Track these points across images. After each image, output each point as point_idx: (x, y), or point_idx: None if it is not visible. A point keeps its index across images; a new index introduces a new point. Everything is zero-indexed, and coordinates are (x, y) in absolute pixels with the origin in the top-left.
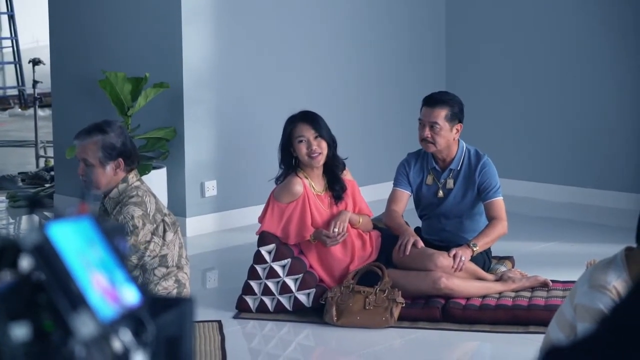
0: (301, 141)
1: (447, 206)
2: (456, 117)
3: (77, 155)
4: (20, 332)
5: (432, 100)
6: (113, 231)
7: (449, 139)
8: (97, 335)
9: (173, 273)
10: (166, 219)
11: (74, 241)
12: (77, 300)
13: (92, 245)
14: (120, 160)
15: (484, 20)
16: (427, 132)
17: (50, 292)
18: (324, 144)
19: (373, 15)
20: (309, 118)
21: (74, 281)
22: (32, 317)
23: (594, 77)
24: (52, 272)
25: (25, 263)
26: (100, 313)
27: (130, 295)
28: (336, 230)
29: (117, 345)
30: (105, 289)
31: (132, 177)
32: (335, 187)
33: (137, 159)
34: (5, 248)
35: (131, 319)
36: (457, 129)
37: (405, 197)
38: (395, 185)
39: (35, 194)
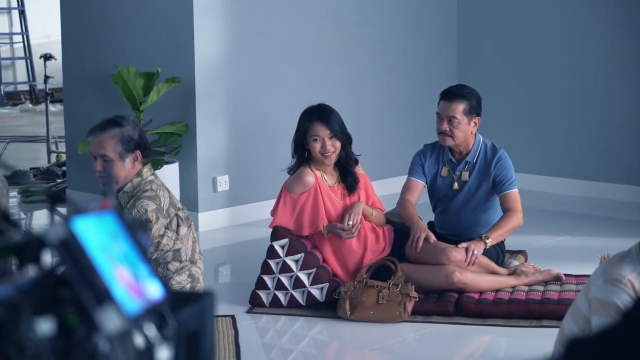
0: (316, 140)
1: (461, 198)
2: (474, 110)
3: (94, 152)
4: (45, 327)
5: (451, 94)
6: (135, 225)
7: (467, 132)
8: (123, 330)
9: (186, 267)
10: (180, 213)
11: (98, 236)
12: (102, 295)
13: (115, 240)
14: (138, 152)
15: (495, 15)
16: (446, 126)
17: (75, 287)
18: (338, 144)
19: (384, 9)
20: (325, 117)
21: (99, 276)
22: (56, 312)
23: (605, 70)
24: (78, 267)
25: (48, 258)
26: (125, 308)
27: (154, 290)
28: (350, 222)
29: (141, 340)
30: (130, 284)
31: (147, 171)
32: (348, 178)
33: (151, 152)
34: (29, 242)
35: (154, 313)
36: (474, 123)
37: (420, 187)
38: (410, 174)
39: (50, 189)
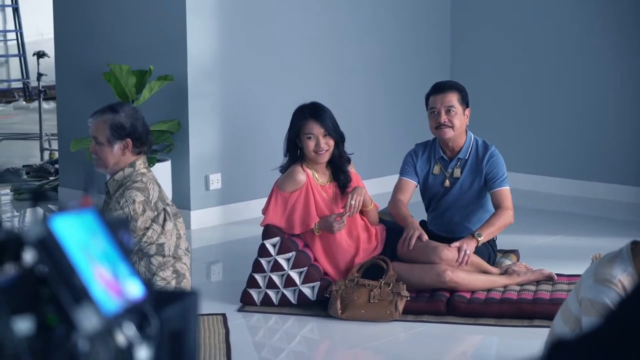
0: (310, 138)
1: (453, 195)
2: (465, 101)
3: (90, 133)
4: (23, 326)
5: (441, 87)
6: (117, 224)
7: (463, 123)
8: (101, 329)
9: (170, 263)
10: (168, 208)
11: (77, 234)
12: (80, 294)
13: (95, 238)
14: (128, 140)
15: (489, 13)
16: (444, 117)
17: (53, 286)
18: (331, 142)
19: (378, 8)
20: (319, 115)
21: (77, 275)
22: (35, 311)
23: (599, 69)
24: (56, 266)
25: (28, 256)
26: (103, 307)
27: (134, 289)
28: (353, 202)
29: (120, 339)
30: (109, 282)
31: (140, 163)
32: (340, 177)
33: (147, 144)
34: (8, 241)
35: (135, 312)
36: (466, 114)
37: (412, 187)
38: (401, 174)
39: (39, 187)
